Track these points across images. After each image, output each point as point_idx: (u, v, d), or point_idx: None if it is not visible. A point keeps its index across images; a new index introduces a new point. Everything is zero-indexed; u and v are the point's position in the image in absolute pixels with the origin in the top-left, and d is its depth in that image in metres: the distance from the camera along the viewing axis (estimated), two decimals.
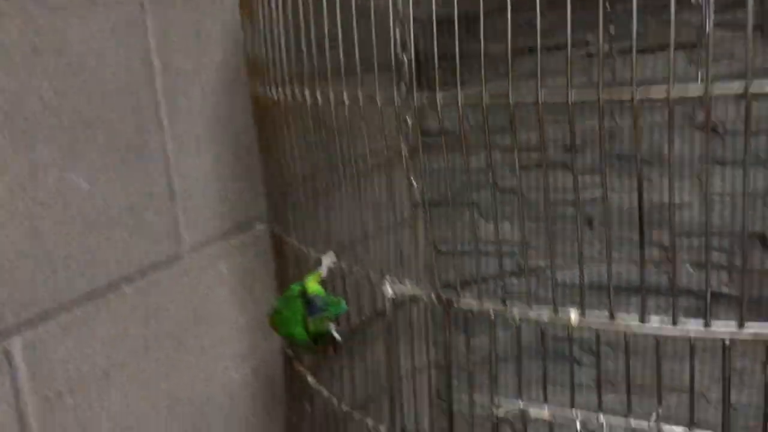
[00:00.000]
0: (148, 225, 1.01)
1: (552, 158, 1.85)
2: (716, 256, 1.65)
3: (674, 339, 0.52)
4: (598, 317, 0.54)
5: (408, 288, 0.65)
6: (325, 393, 0.83)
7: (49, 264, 0.85)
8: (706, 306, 0.51)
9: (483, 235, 1.86)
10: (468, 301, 0.61)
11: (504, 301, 0.58)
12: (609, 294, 0.55)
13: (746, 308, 0.51)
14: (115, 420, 0.96)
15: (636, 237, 1.71)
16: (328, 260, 0.82)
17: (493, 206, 1.76)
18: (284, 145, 0.84)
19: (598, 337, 0.55)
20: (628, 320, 0.53)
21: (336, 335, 0.76)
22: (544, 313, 0.57)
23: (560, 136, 1.81)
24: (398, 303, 0.70)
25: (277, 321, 0.85)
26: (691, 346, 0.52)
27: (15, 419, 0.81)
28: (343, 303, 0.77)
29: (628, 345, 0.55)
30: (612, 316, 0.54)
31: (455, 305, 0.61)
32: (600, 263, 1.78)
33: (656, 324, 0.53)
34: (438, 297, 0.62)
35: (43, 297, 0.85)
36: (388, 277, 0.67)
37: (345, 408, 0.80)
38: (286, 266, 0.90)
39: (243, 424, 1.23)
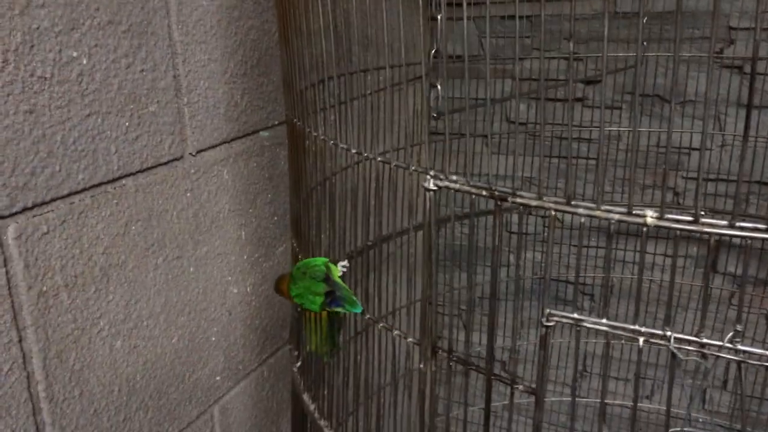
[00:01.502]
0: (152, 118, 0.93)
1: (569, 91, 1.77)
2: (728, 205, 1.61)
3: None
4: (678, 219, 0.49)
5: (455, 182, 0.58)
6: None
7: (46, 147, 0.77)
8: None
9: (492, 169, 1.80)
10: (526, 198, 0.55)
11: (569, 199, 0.52)
12: (696, 193, 0.49)
13: None
14: (113, 323, 0.90)
15: (647, 180, 1.65)
16: (344, 262, 0.86)
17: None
18: (308, 29, 0.77)
19: (676, 237, 0.49)
20: (716, 223, 0.48)
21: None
22: (614, 213, 0.51)
23: (579, 68, 1.74)
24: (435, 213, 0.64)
25: (291, 288, 0.86)
26: None
27: (9, 314, 0.75)
28: (359, 305, 0.78)
29: (713, 248, 0.49)
30: (696, 219, 0.48)
31: (509, 201, 0.55)
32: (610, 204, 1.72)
33: (748, 225, 0.47)
34: (491, 192, 0.56)
35: (40, 184, 0.77)
36: (431, 171, 0.60)
37: (369, 317, 0.74)
38: (305, 162, 0.83)
39: (240, 342, 1.18)
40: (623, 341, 1.73)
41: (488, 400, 0.61)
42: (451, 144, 0.84)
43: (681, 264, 1.69)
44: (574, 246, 1.75)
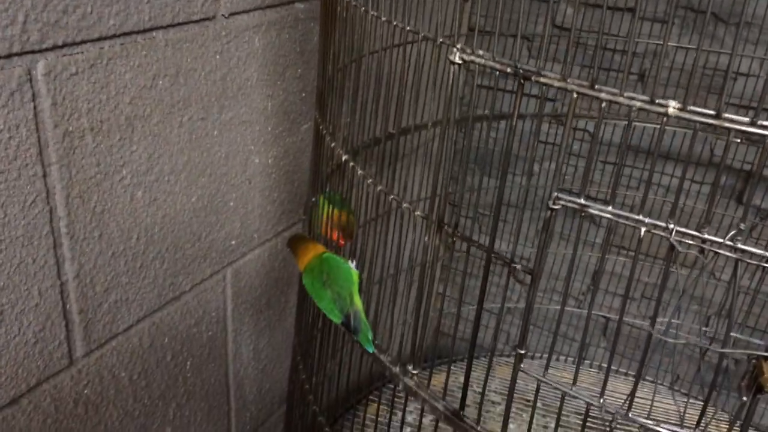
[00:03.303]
0: None
1: None
2: None
3: None
4: (701, 112, 0.48)
5: (480, 57, 0.58)
6: (369, 181, 0.78)
7: None
8: None
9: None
10: (549, 78, 0.54)
11: (593, 83, 0.52)
12: (723, 89, 0.48)
13: None
14: (135, 173, 0.92)
15: (689, 101, 1.60)
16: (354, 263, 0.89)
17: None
18: None
19: (695, 132, 0.49)
20: (737, 119, 0.47)
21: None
22: (637, 100, 0.50)
23: None
24: (468, 76, 0.63)
25: (304, 276, 0.89)
26: None
27: (35, 148, 0.77)
28: (372, 345, 0.82)
29: (727, 147, 0.49)
30: (719, 114, 0.47)
31: (532, 80, 0.55)
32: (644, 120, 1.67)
33: None
34: (515, 69, 0.55)
35: (71, 24, 0.77)
36: (459, 45, 0.59)
37: (394, 199, 0.75)
38: (335, 32, 0.82)
39: (258, 211, 1.21)
40: (629, 258, 1.74)
41: (485, 277, 0.62)
42: (489, 40, 0.82)
43: (701, 190, 1.67)
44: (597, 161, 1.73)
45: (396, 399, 1.55)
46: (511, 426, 1.81)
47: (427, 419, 1.58)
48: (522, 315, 1.96)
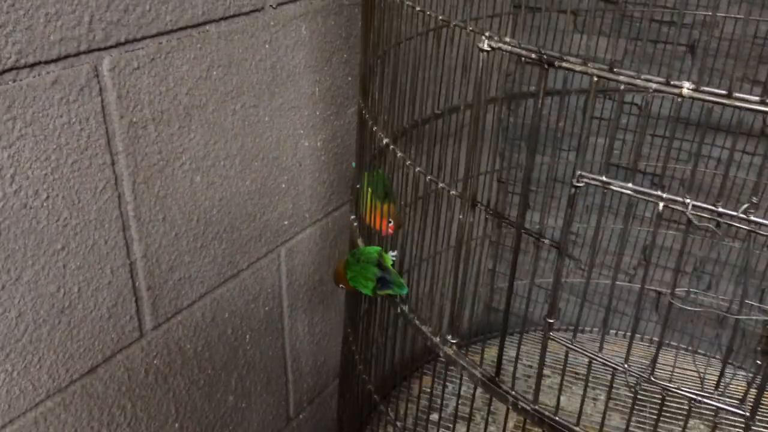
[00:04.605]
0: None
1: None
2: None
3: None
4: (713, 92, 0.50)
5: (507, 44, 0.61)
6: (408, 163, 0.83)
7: None
8: None
9: (574, 49, 1.76)
10: (571, 63, 0.58)
11: (611, 66, 0.55)
12: (734, 70, 0.50)
13: None
14: (193, 159, 0.99)
15: (738, 73, 1.57)
16: (394, 252, 0.98)
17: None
18: None
19: (710, 112, 0.51)
20: (747, 98, 0.49)
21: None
22: (653, 82, 0.53)
23: None
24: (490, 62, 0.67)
25: (346, 272, 0.98)
26: None
27: (104, 138, 0.85)
28: (405, 287, 0.89)
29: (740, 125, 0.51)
30: (730, 93, 0.50)
31: (555, 65, 0.58)
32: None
33: None
34: (539, 55, 0.59)
35: (131, 22, 0.84)
36: (487, 33, 0.63)
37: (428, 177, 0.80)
38: (374, 19, 0.86)
39: (308, 192, 1.27)
40: (675, 230, 1.73)
41: (516, 250, 0.66)
42: (533, 16, 0.85)
43: (752, 161, 1.64)
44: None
45: (448, 372, 1.60)
46: (562, 398, 1.84)
47: (479, 391, 1.63)
48: (574, 291, 1.97)
